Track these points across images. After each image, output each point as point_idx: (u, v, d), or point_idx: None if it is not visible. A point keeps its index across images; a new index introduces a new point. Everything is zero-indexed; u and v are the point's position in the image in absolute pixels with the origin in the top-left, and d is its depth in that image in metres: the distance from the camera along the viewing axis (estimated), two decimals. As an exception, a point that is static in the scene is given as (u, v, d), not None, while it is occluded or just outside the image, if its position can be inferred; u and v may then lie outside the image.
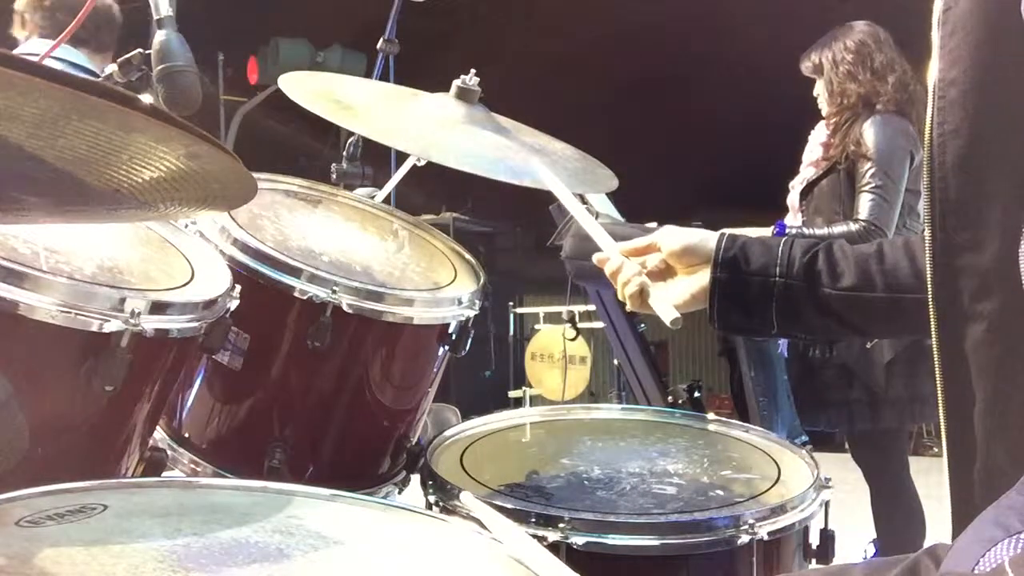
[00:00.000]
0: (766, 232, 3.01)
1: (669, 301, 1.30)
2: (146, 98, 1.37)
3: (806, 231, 3.03)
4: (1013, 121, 0.91)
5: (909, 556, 0.91)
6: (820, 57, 3.10)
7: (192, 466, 1.53)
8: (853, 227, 2.91)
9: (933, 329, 0.97)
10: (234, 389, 1.54)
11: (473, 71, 1.70)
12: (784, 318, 1.25)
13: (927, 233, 0.97)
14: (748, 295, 1.26)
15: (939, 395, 0.98)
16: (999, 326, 0.93)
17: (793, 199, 3.25)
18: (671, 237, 1.34)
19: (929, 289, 0.97)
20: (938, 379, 0.98)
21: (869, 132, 2.95)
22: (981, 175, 0.93)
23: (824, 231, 3.00)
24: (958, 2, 0.94)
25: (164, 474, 1.41)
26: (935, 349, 0.98)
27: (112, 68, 1.58)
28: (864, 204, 2.91)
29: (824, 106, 3.14)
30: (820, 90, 3.14)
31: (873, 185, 2.91)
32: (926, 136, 0.96)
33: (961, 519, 0.96)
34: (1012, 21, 0.87)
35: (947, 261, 0.95)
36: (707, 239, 1.31)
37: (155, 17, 1.41)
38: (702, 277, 1.29)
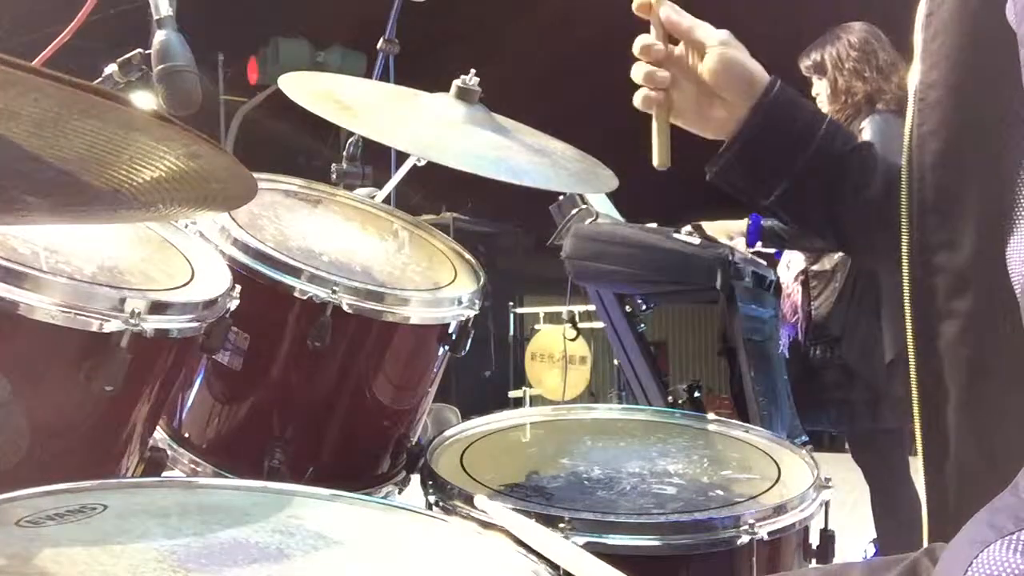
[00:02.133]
0: (741, 224, 3.02)
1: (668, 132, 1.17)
2: (146, 99, 1.37)
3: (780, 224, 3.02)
4: (990, 123, 0.92)
5: (909, 556, 0.91)
6: (823, 55, 3.09)
7: (192, 466, 1.53)
8: None
9: (908, 327, 0.99)
10: (234, 389, 1.54)
11: (473, 71, 1.70)
12: (788, 198, 1.14)
13: (904, 232, 0.99)
14: (771, 155, 1.14)
15: (913, 392, 0.99)
16: (972, 324, 0.94)
17: (793, 199, 3.25)
18: (728, 51, 1.17)
19: (906, 288, 0.99)
20: (912, 376, 0.99)
21: (868, 129, 2.96)
22: (958, 175, 0.95)
23: None
24: (941, 7, 0.95)
25: (164, 474, 1.41)
26: (910, 346, 0.99)
27: (112, 68, 1.58)
28: None
29: (825, 105, 3.14)
30: (821, 89, 3.14)
31: None
32: (906, 136, 0.98)
33: (936, 516, 0.97)
34: (992, 26, 0.88)
35: (924, 259, 0.97)
36: (760, 75, 1.16)
37: (155, 17, 1.41)
38: (727, 110, 1.16)
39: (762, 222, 2.99)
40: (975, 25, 0.93)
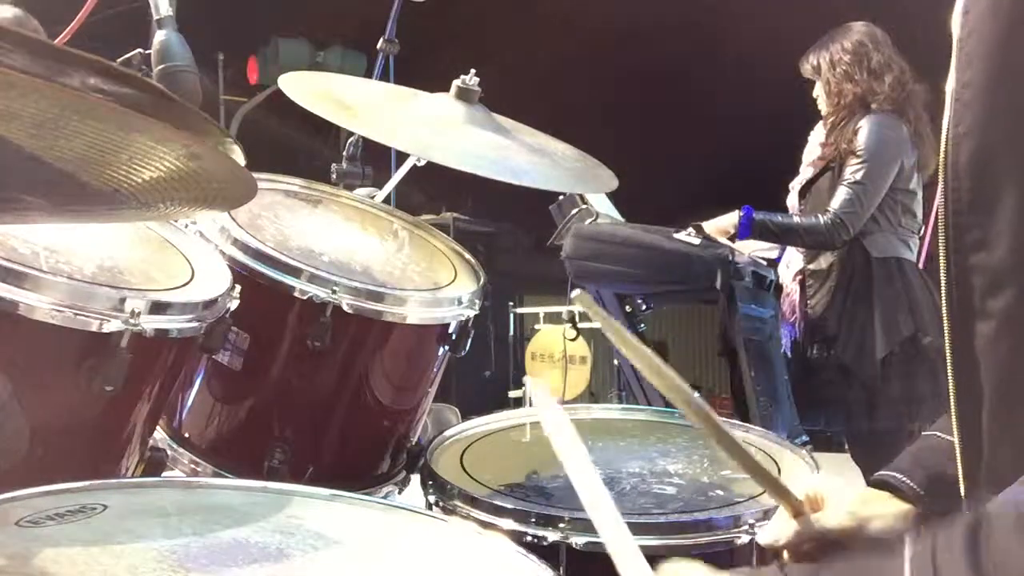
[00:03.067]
0: (733, 217, 3.02)
1: None
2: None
3: (774, 218, 3.04)
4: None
5: None
6: (818, 58, 3.11)
7: (192, 466, 1.53)
8: (820, 220, 2.93)
9: (946, 327, 0.98)
10: (234, 389, 1.54)
11: (473, 71, 1.70)
12: None
13: (941, 233, 0.98)
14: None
15: (950, 395, 0.98)
16: (1007, 324, 0.93)
17: (792, 200, 3.25)
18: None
19: (943, 288, 0.98)
20: (949, 379, 0.98)
21: (863, 131, 2.97)
22: (993, 175, 0.94)
23: (793, 221, 3.02)
24: (977, 3, 0.94)
25: (164, 474, 1.41)
26: (947, 348, 0.99)
27: (112, 68, 1.58)
28: (838, 197, 2.94)
29: (824, 107, 3.15)
30: (819, 91, 3.15)
31: (852, 181, 2.93)
32: (942, 137, 0.97)
33: None
34: None
35: (960, 260, 0.97)
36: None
37: (155, 17, 1.41)
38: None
39: (753, 215, 2.99)
40: (1010, 20, 0.92)
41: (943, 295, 0.99)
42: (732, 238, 3.04)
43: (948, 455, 1.09)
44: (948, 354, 0.98)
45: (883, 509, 1.12)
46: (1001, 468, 0.90)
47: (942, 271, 0.99)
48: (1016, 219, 0.92)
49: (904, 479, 1.12)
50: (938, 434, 1.16)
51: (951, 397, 0.99)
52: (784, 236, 3.07)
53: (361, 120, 1.65)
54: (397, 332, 1.56)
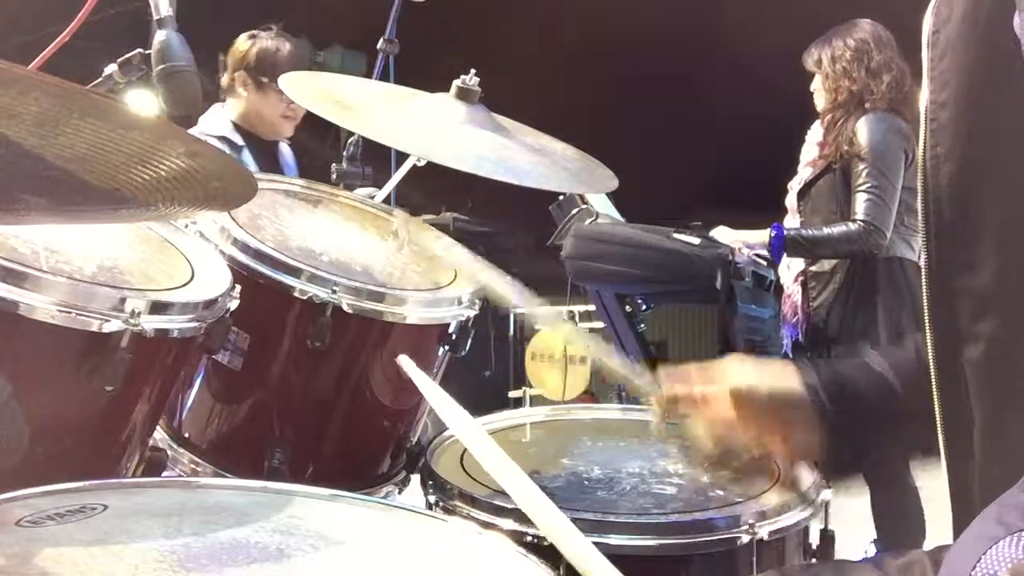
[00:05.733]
0: (763, 236, 3.02)
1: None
2: (146, 99, 1.38)
3: (804, 232, 3.03)
4: (1004, 142, 0.91)
5: (909, 552, 0.91)
6: (820, 52, 3.12)
7: (192, 466, 1.53)
8: (852, 227, 2.92)
9: (931, 351, 0.97)
10: (234, 389, 1.54)
11: (473, 71, 1.70)
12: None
13: (923, 255, 0.98)
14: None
15: (937, 416, 0.98)
16: (997, 347, 0.93)
17: (791, 200, 3.25)
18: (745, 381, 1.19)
19: (926, 311, 0.98)
20: (936, 400, 0.97)
21: (862, 131, 2.96)
22: (974, 196, 0.94)
23: (824, 232, 3.00)
24: (947, 24, 0.94)
25: (164, 474, 1.41)
26: (932, 370, 0.97)
27: (112, 68, 1.58)
28: (860, 204, 2.92)
29: (820, 102, 3.16)
30: (817, 85, 3.16)
31: (869, 185, 2.92)
32: (919, 159, 0.96)
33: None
34: (1001, 42, 0.87)
35: (944, 283, 0.96)
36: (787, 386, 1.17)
37: (155, 17, 1.41)
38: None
39: (784, 232, 2.98)
40: (984, 40, 0.91)
41: (926, 315, 0.98)
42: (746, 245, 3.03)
43: (866, 379, 1.14)
44: (934, 375, 0.97)
45: (777, 380, 1.17)
46: (994, 490, 0.90)
47: (924, 292, 0.98)
48: (1000, 242, 0.92)
49: (819, 390, 1.15)
50: (868, 362, 1.18)
51: (938, 420, 0.98)
52: (817, 247, 3.04)
53: (361, 120, 1.65)
54: (397, 332, 1.56)
